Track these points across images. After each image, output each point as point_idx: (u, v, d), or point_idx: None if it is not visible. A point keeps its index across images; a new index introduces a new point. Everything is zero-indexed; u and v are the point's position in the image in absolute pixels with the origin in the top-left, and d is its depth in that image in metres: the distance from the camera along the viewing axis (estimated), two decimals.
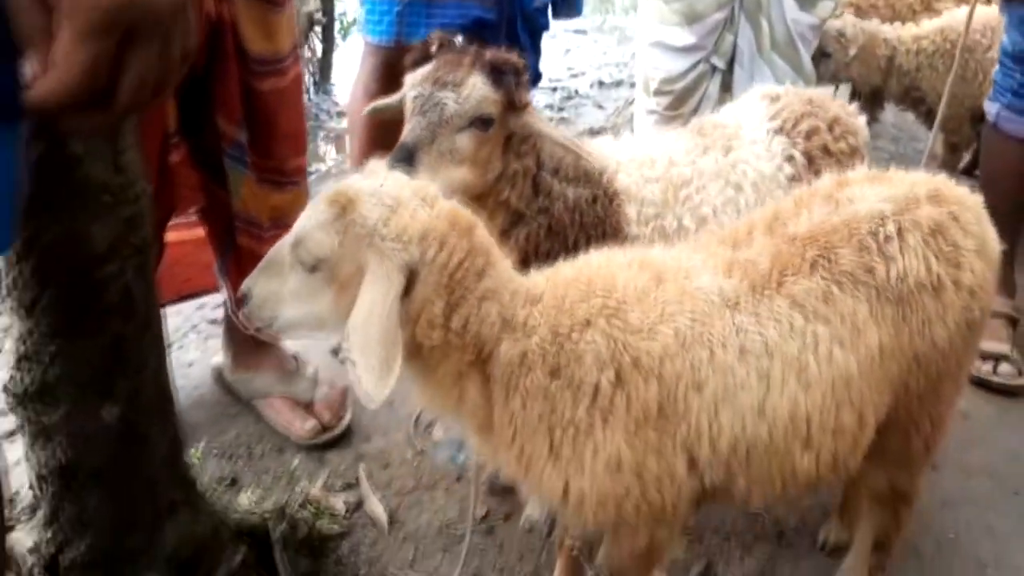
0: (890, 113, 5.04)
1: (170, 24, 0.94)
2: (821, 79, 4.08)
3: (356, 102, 3.18)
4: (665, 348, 1.58)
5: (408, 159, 1.77)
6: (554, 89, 6.84)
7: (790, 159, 2.19)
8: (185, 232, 2.77)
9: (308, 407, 2.78)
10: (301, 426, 2.73)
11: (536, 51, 3.11)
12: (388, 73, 2.93)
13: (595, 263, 1.68)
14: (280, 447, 2.75)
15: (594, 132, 5.54)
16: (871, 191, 1.78)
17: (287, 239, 1.49)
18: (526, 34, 2.98)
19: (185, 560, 1.85)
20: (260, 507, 2.14)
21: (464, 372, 1.55)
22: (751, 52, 3.69)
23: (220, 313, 3.35)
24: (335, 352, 3.19)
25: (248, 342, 2.81)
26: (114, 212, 1.49)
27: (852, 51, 4.07)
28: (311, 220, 1.45)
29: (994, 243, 1.85)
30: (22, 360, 1.58)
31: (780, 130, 2.23)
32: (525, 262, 1.86)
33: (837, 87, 4.29)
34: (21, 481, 1.92)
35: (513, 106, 1.90)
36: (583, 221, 2.01)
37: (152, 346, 1.69)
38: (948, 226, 1.75)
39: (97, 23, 0.88)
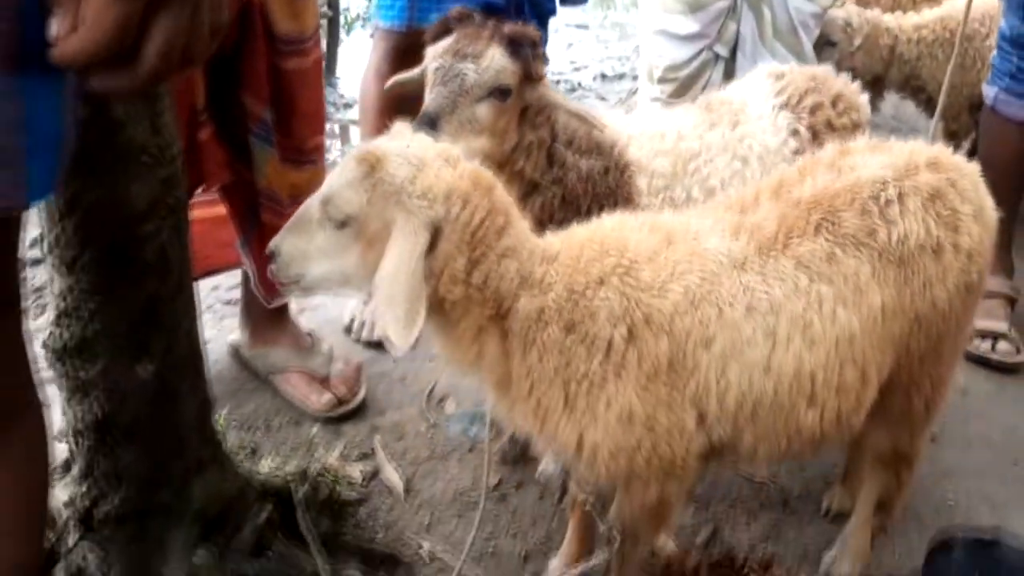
0: (889, 104, 5.11)
1: None
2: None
3: (369, 86, 3.26)
4: (675, 305, 1.65)
5: (431, 126, 1.85)
6: (557, 82, 6.91)
7: (795, 133, 2.27)
8: (203, 210, 2.83)
9: (324, 382, 2.85)
10: (317, 399, 2.80)
11: (543, 35, 3.19)
12: (400, 57, 3.01)
13: (607, 226, 1.75)
14: (297, 420, 2.82)
15: None
16: (872, 159, 1.86)
17: (316, 197, 1.56)
18: (534, 18, 3.06)
19: (213, 517, 1.93)
20: (282, 470, 2.21)
21: (484, 327, 1.63)
22: (753, 40, 3.76)
23: (234, 295, 3.43)
24: (348, 330, 3.27)
25: (265, 318, 2.89)
26: (153, 173, 1.56)
27: (857, 41, 4.15)
28: (340, 178, 1.52)
29: (991, 210, 1.92)
30: (62, 316, 1.65)
31: (785, 105, 2.31)
32: (540, 230, 1.93)
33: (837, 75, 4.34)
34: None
35: (530, 78, 1.98)
36: (596, 191, 2.09)
37: (185, 306, 1.76)
38: (946, 191, 1.82)
39: None
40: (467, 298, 1.58)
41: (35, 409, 1.45)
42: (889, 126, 5.56)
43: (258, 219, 2.61)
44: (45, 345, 1.69)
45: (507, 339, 1.65)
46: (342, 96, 6.51)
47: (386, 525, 2.43)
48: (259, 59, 2.34)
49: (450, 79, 1.91)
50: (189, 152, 2.27)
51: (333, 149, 5.78)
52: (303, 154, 2.59)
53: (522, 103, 2.03)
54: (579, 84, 6.95)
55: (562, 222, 2.05)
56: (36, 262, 2.84)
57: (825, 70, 2.49)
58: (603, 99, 6.58)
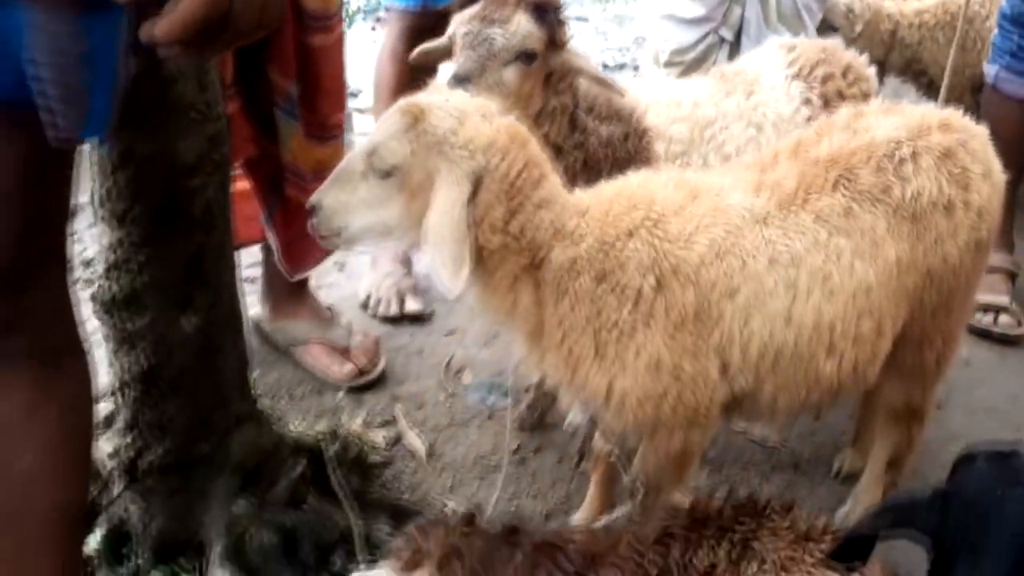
0: (890, 89, 5.18)
1: None
2: None
3: (384, 68, 3.33)
4: (701, 257, 1.72)
5: (461, 87, 1.92)
6: None
7: (807, 102, 2.35)
8: None
9: (345, 353, 2.91)
10: (339, 370, 2.86)
11: None
12: (415, 36, 3.06)
13: (634, 182, 1.83)
14: (319, 390, 2.88)
15: None
16: (886, 120, 1.93)
17: (360, 150, 1.63)
18: None
19: (251, 470, 1.99)
20: (312, 430, 2.27)
21: (519, 276, 1.69)
22: (758, 23, 3.82)
23: (252, 272, 3.49)
24: (364, 307, 3.33)
25: (286, 292, 2.95)
26: (201, 128, 1.63)
27: (859, 27, 4.22)
28: (385, 130, 1.59)
29: (999, 171, 2.00)
30: (111, 269, 1.71)
31: (797, 76, 2.39)
32: None
33: None
34: None
35: (554, 43, 2.05)
36: (616, 156, 2.17)
37: (227, 262, 1.83)
38: (957, 151, 1.90)
39: None
40: (504, 247, 1.65)
41: (81, 355, 1.51)
42: None
43: (282, 194, 2.66)
44: (94, 297, 1.75)
45: (540, 289, 1.72)
46: (347, 86, 6.57)
47: (411, 487, 2.49)
48: (287, 35, 2.40)
49: (479, 43, 1.99)
50: None
51: None
52: (326, 130, 2.65)
53: (546, 69, 2.10)
54: None
55: (583, 186, 2.13)
56: None
57: (835, 43, 2.56)
58: None
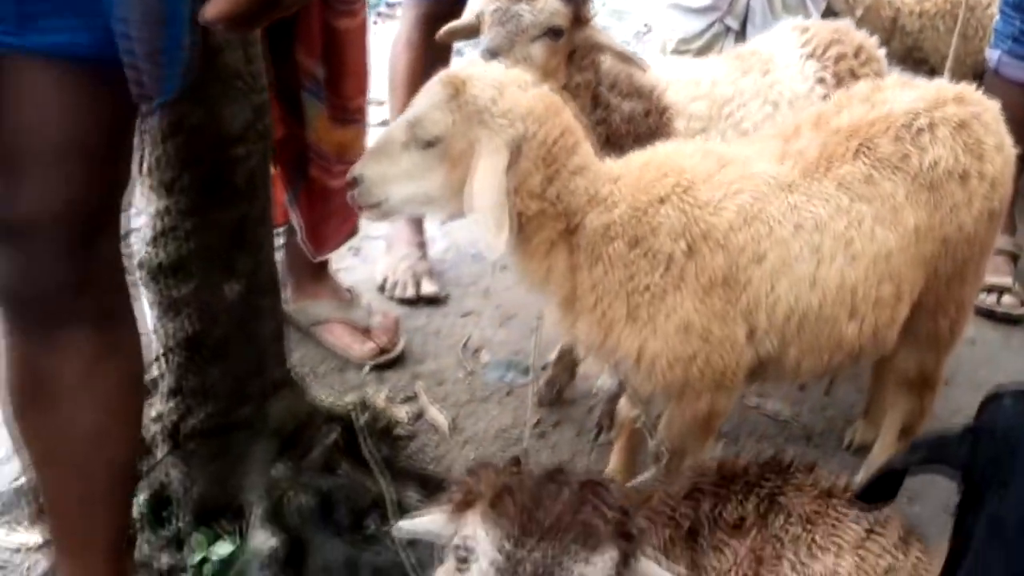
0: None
1: None
2: None
3: (399, 56, 3.37)
4: (730, 222, 1.79)
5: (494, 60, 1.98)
6: None
7: (821, 81, 2.41)
8: None
9: (366, 332, 2.96)
10: (360, 348, 2.92)
11: None
12: (431, 23, 3.11)
13: (662, 152, 1.89)
14: (341, 368, 2.93)
15: None
16: (903, 94, 2.00)
17: (401, 120, 1.69)
18: None
19: (287, 435, 2.05)
20: (341, 401, 2.33)
21: (555, 242, 1.76)
22: (763, 12, 3.88)
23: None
24: (381, 289, 3.38)
25: (308, 273, 3.00)
26: (247, 98, 1.68)
27: (859, 13, 4.29)
28: (428, 101, 1.65)
29: (1011, 145, 2.08)
30: (158, 237, 1.76)
31: (811, 55, 2.45)
32: None
33: None
34: None
35: (579, 19, 2.12)
36: (637, 132, 2.23)
37: (268, 231, 1.88)
38: (971, 123, 1.97)
39: None
40: (541, 213, 1.71)
41: (133, 321, 1.57)
42: None
43: (306, 175, 2.72)
44: (140, 264, 1.80)
45: (575, 254, 1.78)
46: None
47: (435, 459, 2.55)
48: (314, 17, 2.45)
49: (507, 20, 2.05)
50: None
51: None
52: (348, 113, 2.70)
53: (571, 46, 2.16)
54: None
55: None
56: None
57: (847, 24, 2.63)
58: None
